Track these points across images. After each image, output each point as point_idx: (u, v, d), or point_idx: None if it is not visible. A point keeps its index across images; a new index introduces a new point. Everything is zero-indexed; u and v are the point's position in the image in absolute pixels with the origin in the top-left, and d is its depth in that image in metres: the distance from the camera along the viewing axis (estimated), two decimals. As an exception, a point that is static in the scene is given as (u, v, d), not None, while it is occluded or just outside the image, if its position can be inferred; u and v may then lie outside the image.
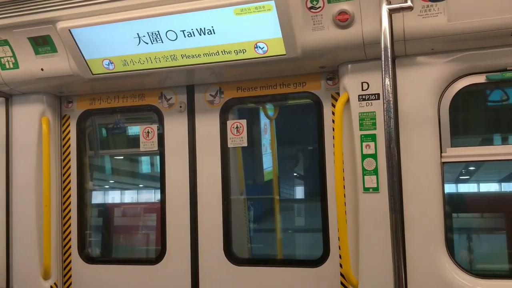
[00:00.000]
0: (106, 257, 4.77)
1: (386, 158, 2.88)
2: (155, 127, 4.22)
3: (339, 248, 3.50)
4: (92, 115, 4.51)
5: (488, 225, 4.16)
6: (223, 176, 3.99)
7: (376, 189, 3.34)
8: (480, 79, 3.27)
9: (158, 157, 4.31)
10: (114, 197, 5.60)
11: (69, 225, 4.37)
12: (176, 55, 3.55)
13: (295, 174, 5.45)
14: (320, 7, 3.25)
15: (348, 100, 3.44)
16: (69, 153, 4.41)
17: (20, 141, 4.25)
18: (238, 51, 3.43)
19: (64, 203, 4.40)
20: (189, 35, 3.42)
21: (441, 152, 3.27)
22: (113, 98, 4.31)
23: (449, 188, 3.80)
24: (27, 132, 4.22)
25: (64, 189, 4.41)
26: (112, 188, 5.67)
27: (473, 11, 3.01)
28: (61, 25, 3.60)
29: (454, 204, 3.92)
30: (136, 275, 4.13)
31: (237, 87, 4.00)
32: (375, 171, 3.35)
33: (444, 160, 3.27)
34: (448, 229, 3.34)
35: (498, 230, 4.05)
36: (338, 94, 3.64)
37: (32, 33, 3.77)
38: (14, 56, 3.95)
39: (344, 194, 3.42)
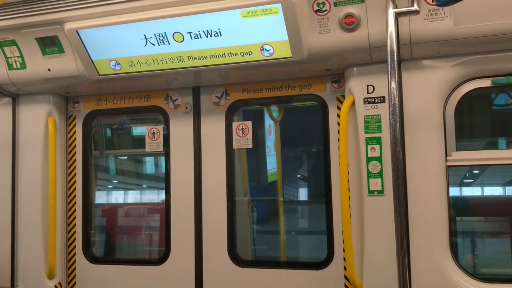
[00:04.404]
0: (111, 257, 4.79)
1: (392, 161, 2.88)
2: (160, 128, 4.23)
3: (344, 251, 3.52)
4: (98, 116, 4.53)
5: (493, 229, 4.15)
6: (228, 177, 4.00)
7: (381, 192, 3.34)
8: (486, 83, 3.27)
9: (162, 158, 4.31)
10: (119, 197, 5.62)
11: (74, 225, 4.38)
12: (183, 56, 3.56)
13: (299, 176, 5.45)
14: (326, 10, 3.26)
15: (353, 103, 3.44)
16: (75, 153, 4.43)
17: (26, 141, 4.27)
18: (244, 53, 3.45)
19: (69, 203, 4.41)
20: (196, 37, 3.43)
21: (446, 155, 3.27)
22: (119, 99, 4.33)
23: (454, 191, 3.79)
24: (33, 132, 4.24)
25: (69, 189, 4.43)
26: (117, 188, 5.69)
27: (479, 15, 3.02)
28: (68, 26, 3.62)
29: (458, 208, 3.92)
30: (141, 275, 4.14)
31: (243, 89, 4.01)
32: (380, 174, 3.35)
33: (449, 163, 3.27)
34: (453, 233, 3.34)
35: (502, 234, 4.05)
36: (343, 96, 3.65)
37: (40, 33, 3.79)
38: (21, 56, 3.97)
39: (349, 197, 3.42)
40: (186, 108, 4.14)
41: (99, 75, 3.82)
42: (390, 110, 2.89)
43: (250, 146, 4.01)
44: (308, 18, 3.28)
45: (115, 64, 3.75)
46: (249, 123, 4.01)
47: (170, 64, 3.63)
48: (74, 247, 4.36)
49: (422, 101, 3.28)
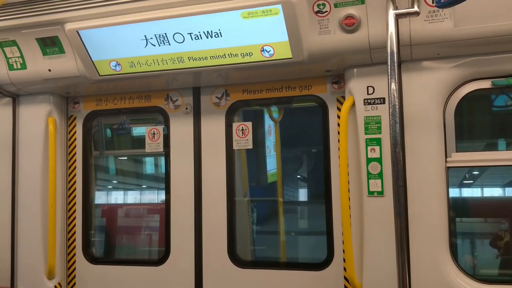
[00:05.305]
0: (111, 258, 4.79)
1: (392, 162, 2.89)
2: (160, 128, 4.24)
3: (343, 252, 3.52)
4: (98, 116, 4.53)
5: (492, 230, 4.16)
6: (228, 177, 4.00)
7: (380, 193, 3.34)
8: (486, 84, 3.27)
9: (162, 158, 4.31)
10: (119, 197, 5.62)
11: (74, 225, 4.38)
12: (183, 57, 3.56)
13: (299, 176, 5.46)
14: (326, 11, 3.26)
15: (353, 104, 3.45)
16: (75, 153, 4.43)
17: (27, 141, 4.27)
18: (244, 54, 3.45)
19: (69, 203, 4.41)
20: (196, 38, 3.44)
21: (446, 156, 3.27)
22: (120, 99, 4.33)
23: (454, 192, 3.80)
24: (34, 132, 4.24)
25: (69, 189, 4.43)
26: (117, 188, 5.69)
27: (479, 17, 3.02)
28: (69, 26, 3.62)
29: (458, 209, 3.93)
30: (140, 276, 4.14)
31: (243, 89, 4.02)
32: (380, 175, 3.35)
33: (449, 164, 3.27)
34: (452, 234, 3.34)
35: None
36: (343, 97, 3.65)
37: (40, 34, 3.80)
38: (22, 56, 3.98)
39: (349, 198, 3.42)
40: (186, 108, 4.14)
41: (100, 75, 3.82)
42: (390, 111, 2.89)
43: (250, 146, 4.02)
44: (308, 19, 3.28)
45: (116, 65, 3.75)
46: (249, 124, 4.01)
47: (170, 64, 3.63)
48: (74, 247, 4.37)
49: (422, 102, 3.28)
